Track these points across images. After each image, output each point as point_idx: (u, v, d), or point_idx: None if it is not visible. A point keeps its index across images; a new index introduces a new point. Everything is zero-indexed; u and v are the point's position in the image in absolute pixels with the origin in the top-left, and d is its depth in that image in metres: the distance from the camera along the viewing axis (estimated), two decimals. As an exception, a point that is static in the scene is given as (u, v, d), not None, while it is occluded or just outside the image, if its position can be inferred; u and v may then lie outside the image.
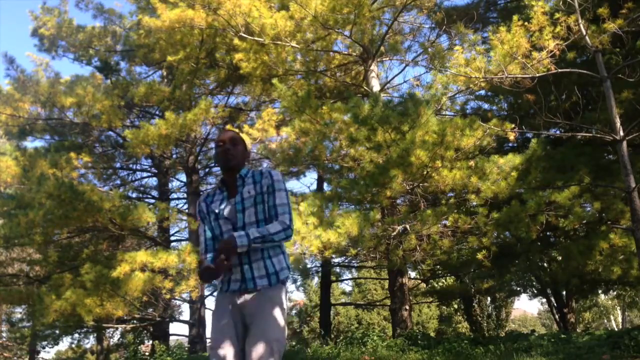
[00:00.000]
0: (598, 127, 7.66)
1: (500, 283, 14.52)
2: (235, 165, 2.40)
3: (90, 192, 9.81)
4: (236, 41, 9.93)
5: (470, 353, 7.49)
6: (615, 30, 7.12)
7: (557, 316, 15.79)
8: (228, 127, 11.50)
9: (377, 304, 21.09)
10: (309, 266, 14.29)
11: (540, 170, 8.28)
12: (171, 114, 10.85)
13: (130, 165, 15.04)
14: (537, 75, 7.35)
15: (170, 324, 14.22)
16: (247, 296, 2.30)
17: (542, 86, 7.81)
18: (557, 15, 7.47)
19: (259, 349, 2.17)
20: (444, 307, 23.67)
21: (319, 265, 14.42)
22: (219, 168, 15.46)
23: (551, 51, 7.34)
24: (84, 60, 13.65)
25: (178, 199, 16.16)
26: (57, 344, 17.78)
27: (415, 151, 7.45)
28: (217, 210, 2.39)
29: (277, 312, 2.28)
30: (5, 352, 20.76)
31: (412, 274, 14.78)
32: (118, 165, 14.88)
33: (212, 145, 15.13)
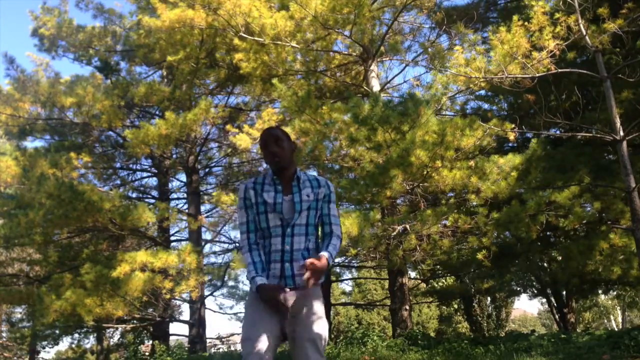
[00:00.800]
0: (598, 127, 7.66)
1: (500, 283, 14.53)
2: (282, 164, 2.37)
3: (90, 192, 9.81)
4: (236, 41, 9.93)
5: (470, 353, 7.49)
6: (615, 30, 7.12)
7: (557, 316, 15.79)
8: (228, 127, 11.48)
9: (377, 304, 21.09)
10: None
11: (540, 170, 8.28)
12: (171, 114, 10.85)
13: (130, 165, 15.05)
14: (537, 75, 7.35)
15: (170, 324, 14.21)
16: (289, 292, 2.30)
17: (542, 86, 7.81)
18: (557, 15, 7.47)
19: (306, 347, 2.23)
20: (444, 307, 23.68)
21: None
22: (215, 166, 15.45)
23: (551, 51, 7.34)
24: (84, 60, 13.66)
25: (178, 199, 16.17)
26: (57, 344, 17.82)
27: (415, 151, 7.44)
28: (271, 201, 2.33)
29: (319, 309, 2.32)
30: (5, 352, 20.76)
31: (412, 274, 14.80)
32: (118, 165, 14.89)
33: (212, 145, 15.17)
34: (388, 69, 18.27)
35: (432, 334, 19.29)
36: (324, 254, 2.27)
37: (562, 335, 8.24)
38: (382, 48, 11.04)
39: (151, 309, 12.37)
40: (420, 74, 38.17)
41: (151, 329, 14.39)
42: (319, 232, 2.48)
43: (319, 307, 2.34)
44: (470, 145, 7.94)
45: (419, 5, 10.89)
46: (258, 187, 2.38)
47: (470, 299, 18.69)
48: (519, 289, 17.14)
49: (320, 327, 2.29)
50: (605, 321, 30.08)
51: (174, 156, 14.24)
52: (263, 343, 2.22)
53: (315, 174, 2.55)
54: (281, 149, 2.37)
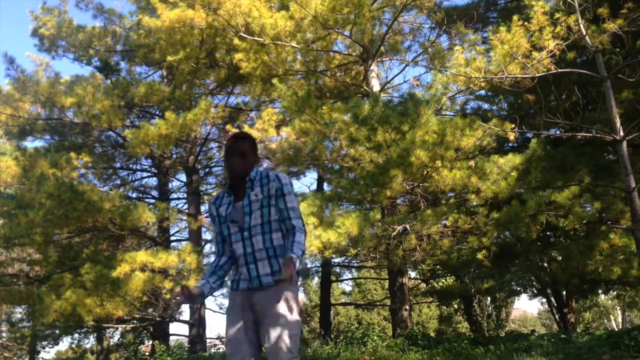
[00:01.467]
0: (598, 127, 7.66)
1: (500, 283, 14.53)
2: (239, 175, 2.46)
3: (90, 192, 9.81)
4: (236, 41, 9.93)
5: (470, 353, 7.49)
6: (615, 30, 7.12)
7: (557, 316, 15.78)
8: (228, 127, 11.49)
9: (377, 304, 21.09)
10: (309, 266, 14.29)
11: (540, 170, 8.28)
12: (171, 114, 10.84)
13: (130, 165, 15.03)
14: (537, 75, 7.35)
15: (170, 324, 14.22)
16: (257, 294, 2.39)
17: (542, 86, 7.80)
18: (557, 15, 7.47)
19: (278, 346, 2.29)
20: (444, 307, 23.68)
21: (319, 265, 14.42)
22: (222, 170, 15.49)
23: (551, 51, 7.34)
24: (84, 60, 13.65)
25: (178, 199, 16.17)
26: (57, 344, 17.81)
27: (415, 151, 7.44)
28: (224, 214, 2.50)
29: (285, 308, 2.35)
30: (5, 352, 20.76)
31: (412, 274, 14.80)
32: (118, 165, 14.88)
33: (212, 145, 15.17)
34: (388, 69, 18.29)
35: (432, 334, 19.28)
36: (289, 256, 2.27)
37: (562, 335, 8.23)
38: (382, 48, 11.04)
39: (151, 309, 12.37)
40: (420, 74, 38.21)
41: (151, 329, 14.40)
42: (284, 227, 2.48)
43: (288, 303, 2.36)
44: (470, 145, 7.94)
45: (419, 5, 10.89)
46: (217, 203, 2.55)
47: (470, 299, 18.69)
48: (519, 289, 17.13)
49: (290, 324, 2.32)
50: (605, 321, 30.07)
51: (174, 156, 14.24)
52: (244, 345, 2.34)
53: (268, 172, 2.57)
54: (243, 163, 2.44)
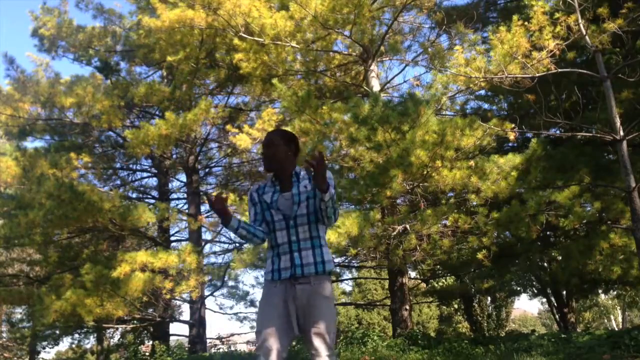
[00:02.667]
0: (598, 127, 7.66)
1: (500, 283, 14.52)
2: (274, 167, 2.62)
3: (90, 192, 9.81)
4: (236, 41, 9.92)
5: (471, 353, 7.49)
6: (615, 30, 7.12)
7: (557, 316, 15.78)
8: (228, 127, 11.47)
9: (377, 304, 21.08)
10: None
11: (540, 170, 8.28)
12: (171, 114, 10.84)
13: (130, 166, 15.03)
14: (537, 75, 7.34)
15: (171, 324, 14.21)
16: (299, 287, 2.46)
17: (542, 86, 7.81)
18: (557, 15, 7.47)
19: (315, 340, 2.39)
20: (444, 307, 23.66)
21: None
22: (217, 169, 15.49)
23: (551, 51, 7.34)
24: (84, 61, 13.63)
25: (178, 199, 16.15)
26: (57, 344, 17.82)
27: (415, 151, 7.44)
28: (269, 201, 2.60)
29: (327, 305, 2.46)
30: (5, 353, 20.75)
31: (412, 274, 14.78)
32: (118, 165, 14.87)
33: (212, 145, 15.18)
34: (388, 69, 18.29)
35: (432, 334, 19.29)
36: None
37: (563, 335, 8.24)
38: (382, 48, 11.04)
39: (151, 309, 12.37)
40: (420, 74, 38.17)
41: (151, 329, 14.40)
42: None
43: (328, 302, 2.47)
44: (470, 145, 7.94)
45: (419, 5, 10.88)
46: (260, 191, 2.66)
47: (470, 298, 18.66)
48: (519, 288, 17.12)
49: (328, 321, 2.43)
50: (606, 321, 30.08)
51: (174, 156, 14.23)
52: (273, 336, 2.39)
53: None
54: (272, 152, 2.61)
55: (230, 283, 15.75)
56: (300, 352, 8.86)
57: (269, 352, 2.36)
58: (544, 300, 18.79)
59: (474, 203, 8.41)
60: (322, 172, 2.34)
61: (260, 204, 2.63)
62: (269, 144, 2.62)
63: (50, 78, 12.52)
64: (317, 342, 2.39)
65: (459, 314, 23.44)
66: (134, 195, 15.18)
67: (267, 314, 2.45)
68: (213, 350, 14.04)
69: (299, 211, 2.54)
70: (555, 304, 15.96)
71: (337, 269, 15.52)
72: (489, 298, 21.21)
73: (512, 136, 8.35)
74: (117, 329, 18.13)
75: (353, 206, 9.25)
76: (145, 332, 16.75)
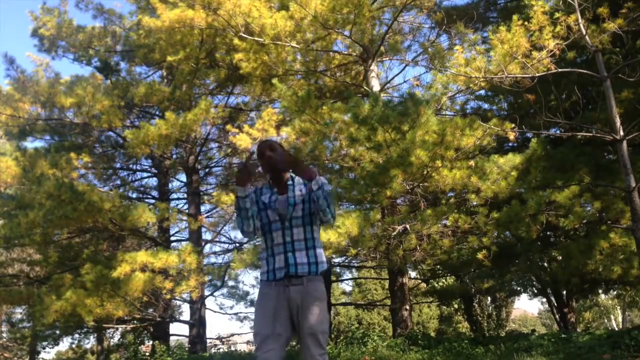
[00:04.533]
0: (598, 126, 7.65)
1: (500, 283, 14.52)
2: (280, 167, 2.68)
3: (90, 193, 9.81)
4: (236, 41, 9.92)
5: (471, 353, 7.49)
6: (615, 29, 7.12)
7: (557, 316, 15.78)
8: (228, 127, 11.47)
9: (377, 304, 21.09)
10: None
11: (540, 170, 8.27)
12: (171, 114, 10.84)
13: (130, 166, 15.03)
14: (537, 75, 7.34)
15: (171, 324, 14.21)
16: (293, 288, 2.52)
17: (542, 86, 7.80)
18: (557, 14, 7.46)
19: (308, 340, 2.47)
20: (444, 307, 23.67)
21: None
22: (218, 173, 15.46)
23: (551, 51, 7.33)
24: (84, 61, 13.63)
25: (178, 199, 16.15)
26: (58, 344, 17.78)
27: (415, 151, 7.44)
28: (266, 201, 2.70)
29: (319, 306, 2.52)
30: (5, 353, 20.75)
31: (412, 274, 14.81)
32: (118, 165, 14.87)
33: (212, 145, 15.16)
34: (388, 69, 18.31)
35: (433, 334, 19.28)
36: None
37: (563, 335, 8.24)
38: (382, 48, 11.04)
39: (151, 309, 12.37)
40: (420, 74, 38.21)
41: (151, 329, 14.39)
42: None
43: (320, 303, 2.53)
44: (470, 145, 7.94)
45: (419, 5, 10.89)
46: (258, 192, 2.77)
47: (470, 298, 18.67)
48: (519, 288, 17.12)
49: (321, 322, 2.49)
50: (606, 321, 30.08)
51: (174, 156, 14.24)
52: (271, 337, 2.45)
53: None
54: (275, 153, 2.69)
55: (231, 283, 15.79)
56: (300, 352, 8.87)
57: (268, 352, 2.42)
58: (544, 300, 18.79)
59: (474, 203, 8.41)
60: (293, 165, 2.50)
61: (257, 204, 2.71)
62: (270, 147, 2.72)
63: (50, 78, 12.53)
64: (310, 342, 2.46)
65: (459, 314, 23.44)
66: (134, 195, 15.19)
67: (264, 316, 2.51)
68: (213, 350, 14.05)
69: (295, 213, 2.62)
70: (555, 304, 15.96)
71: (337, 269, 15.54)
72: (489, 298, 21.21)
73: (512, 136, 8.34)
74: (117, 329, 18.14)
75: (353, 206, 9.25)
76: (145, 332, 16.74)
